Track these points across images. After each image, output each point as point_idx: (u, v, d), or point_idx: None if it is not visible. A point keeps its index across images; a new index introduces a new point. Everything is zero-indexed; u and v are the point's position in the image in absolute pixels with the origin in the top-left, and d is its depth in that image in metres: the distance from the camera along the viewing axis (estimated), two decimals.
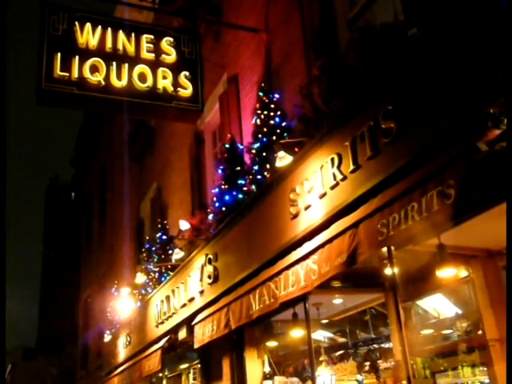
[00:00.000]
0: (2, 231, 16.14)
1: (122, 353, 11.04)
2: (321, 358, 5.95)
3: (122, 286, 11.24)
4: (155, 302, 8.63)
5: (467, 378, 4.82)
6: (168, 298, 7.91)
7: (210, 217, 6.99)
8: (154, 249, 9.48)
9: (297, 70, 6.30)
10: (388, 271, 4.38)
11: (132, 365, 9.74)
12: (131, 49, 6.93)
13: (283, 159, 5.04)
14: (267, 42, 7.24)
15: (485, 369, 4.63)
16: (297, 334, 5.71)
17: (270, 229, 5.18)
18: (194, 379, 8.60)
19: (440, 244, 4.01)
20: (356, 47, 4.25)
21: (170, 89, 6.93)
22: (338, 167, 4.24)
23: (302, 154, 4.81)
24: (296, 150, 5.03)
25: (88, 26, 6.77)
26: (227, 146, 6.68)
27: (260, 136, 5.88)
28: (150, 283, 9.32)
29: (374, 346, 6.02)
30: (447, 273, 4.17)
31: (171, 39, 7.20)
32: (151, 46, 7.05)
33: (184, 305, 7.26)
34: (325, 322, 6.56)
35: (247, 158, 6.27)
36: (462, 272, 4.62)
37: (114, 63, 6.72)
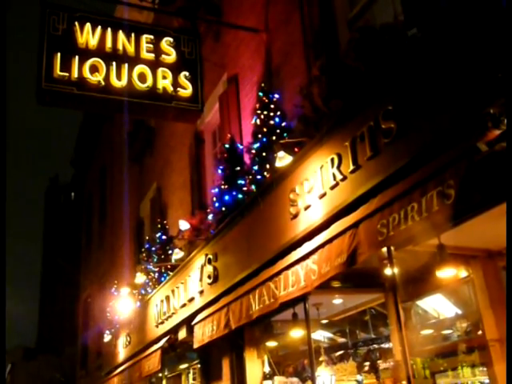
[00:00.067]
0: (2, 231, 16.11)
1: (121, 353, 11.03)
2: (321, 358, 5.95)
3: (121, 286, 11.23)
4: (155, 302, 8.62)
5: (467, 378, 4.81)
6: (168, 298, 7.91)
7: (210, 217, 6.99)
8: (153, 249, 9.48)
9: (297, 69, 6.29)
10: (388, 271, 4.38)
11: (132, 365, 9.73)
12: (131, 49, 6.93)
13: (283, 159, 5.04)
14: (267, 42, 7.23)
15: (485, 369, 4.62)
16: (297, 334, 5.71)
17: (270, 229, 5.18)
18: (194, 379, 8.59)
19: (440, 244, 4.01)
20: (356, 47, 4.25)
21: (170, 89, 6.93)
22: (338, 167, 4.24)
23: (302, 154, 4.81)
24: (296, 150, 5.03)
25: (88, 26, 6.78)
26: (227, 146, 6.67)
27: (260, 136, 5.88)
28: (150, 283, 9.32)
29: (374, 346, 6.01)
30: (447, 273, 4.17)
31: (171, 39, 7.20)
32: (151, 46, 7.05)
33: (184, 305, 7.26)
34: (325, 322, 6.55)
35: (247, 158, 6.27)
36: (462, 272, 4.62)
37: (114, 63, 6.73)
